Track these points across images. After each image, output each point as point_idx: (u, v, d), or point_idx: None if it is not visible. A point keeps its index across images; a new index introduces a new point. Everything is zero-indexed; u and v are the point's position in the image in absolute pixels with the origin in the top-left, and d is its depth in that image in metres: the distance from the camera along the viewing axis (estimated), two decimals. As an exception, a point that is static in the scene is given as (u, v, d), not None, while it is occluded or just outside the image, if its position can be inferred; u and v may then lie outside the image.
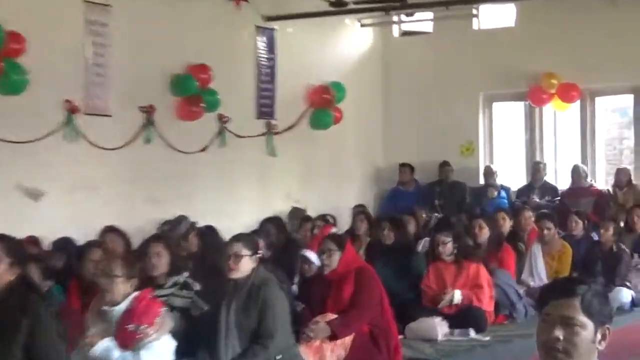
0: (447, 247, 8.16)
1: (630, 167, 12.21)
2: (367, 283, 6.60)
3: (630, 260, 9.57)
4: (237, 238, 6.14)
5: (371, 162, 13.47)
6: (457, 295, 7.93)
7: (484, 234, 9.12)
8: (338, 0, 9.55)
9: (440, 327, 7.65)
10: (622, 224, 10.23)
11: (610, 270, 9.39)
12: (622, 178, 11.80)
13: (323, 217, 10.29)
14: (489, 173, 12.60)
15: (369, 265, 7.15)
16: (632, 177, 11.83)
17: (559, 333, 2.85)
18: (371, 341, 6.50)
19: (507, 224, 10.00)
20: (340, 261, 6.66)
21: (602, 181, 12.90)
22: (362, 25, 13.07)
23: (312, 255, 7.35)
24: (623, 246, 9.62)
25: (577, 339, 2.85)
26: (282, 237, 9.26)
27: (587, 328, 2.86)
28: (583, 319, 2.86)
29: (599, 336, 2.89)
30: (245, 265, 5.89)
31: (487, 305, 8.08)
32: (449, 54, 13.07)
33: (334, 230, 9.49)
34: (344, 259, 6.68)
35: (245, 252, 5.90)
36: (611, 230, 9.59)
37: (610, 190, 11.92)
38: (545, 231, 9.62)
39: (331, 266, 6.68)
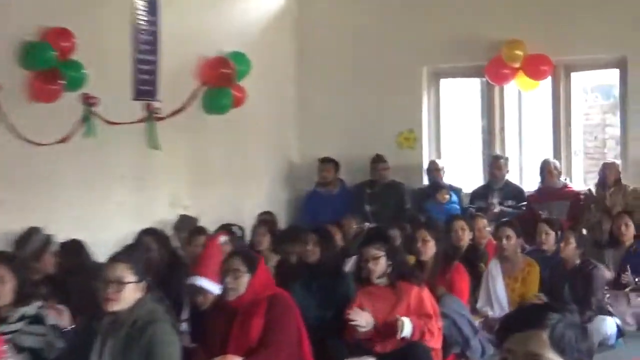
0: (379, 264, 7.98)
1: (614, 161, 12.48)
2: (283, 316, 6.57)
3: (604, 278, 9.76)
4: (119, 258, 6.02)
5: (283, 156, 13.58)
6: (407, 327, 7.69)
7: (430, 248, 9.09)
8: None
9: None
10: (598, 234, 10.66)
11: (580, 294, 9.50)
12: (608, 175, 11.96)
13: (226, 228, 9.90)
14: (435, 170, 12.77)
15: (285, 293, 7.05)
16: (624, 176, 12.07)
17: None
18: None
19: (466, 237, 10.19)
20: (249, 286, 6.58)
21: (580, 180, 13.19)
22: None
23: (207, 284, 7.30)
24: (593, 261, 9.79)
25: None
26: (164, 255, 9.14)
27: None
28: (553, 356, 2.93)
29: None
30: (129, 295, 5.78)
31: (433, 342, 7.91)
32: (384, 18, 13.22)
33: (223, 240, 8.86)
34: (254, 283, 6.59)
35: (130, 277, 5.80)
36: (573, 243, 9.67)
37: (593, 190, 12.13)
38: (505, 242, 9.71)
39: (238, 291, 6.59)
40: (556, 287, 9.62)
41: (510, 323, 3.04)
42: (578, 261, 9.62)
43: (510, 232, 9.79)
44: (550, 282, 9.74)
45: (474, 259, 10.00)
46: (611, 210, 11.45)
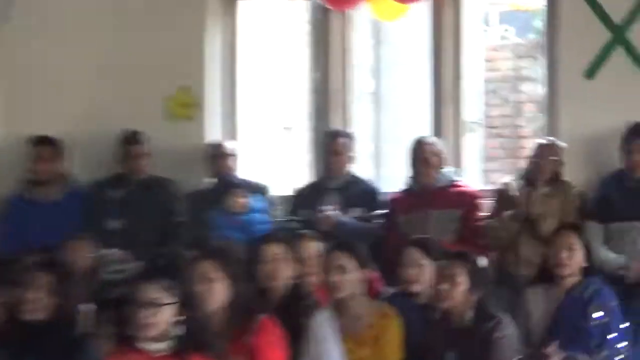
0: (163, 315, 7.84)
1: (553, 140, 12.21)
2: None
3: (514, 346, 9.40)
4: None
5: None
6: None
7: (218, 292, 8.68)
8: None
9: None
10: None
11: None
12: (542, 166, 11.69)
13: None
14: (221, 157, 12.43)
15: None
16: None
17: None
18: None
19: (282, 272, 9.73)
20: None
21: (478, 174, 13.74)
22: None
23: None
24: (499, 315, 9.45)
25: None
26: None
27: None
28: None
29: None
30: None
31: None
32: None
33: None
34: None
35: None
36: (463, 283, 9.35)
37: (510, 190, 11.76)
38: (336, 278, 9.24)
39: None
40: (432, 355, 9.44)
41: None
42: (471, 314, 9.41)
43: (349, 262, 9.32)
44: (424, 346, 9.49)
45: (294, 309, 9.51)
46: (541, 224, 11.21)
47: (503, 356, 9.27)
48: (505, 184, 12.00)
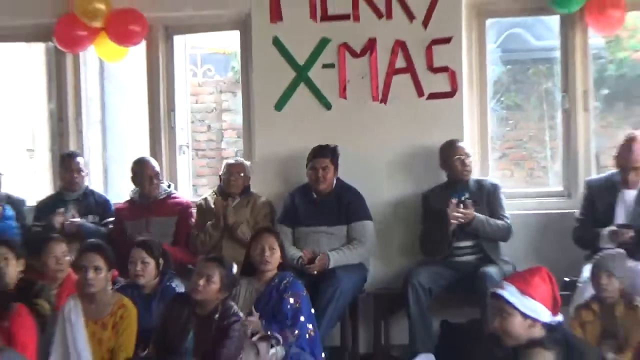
0: None
1: (241, 160, 12.80)
2: None
3: (243, 331, 9.82)
4: None
5: None
6: None
7: None
8: None
9: None
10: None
11: (207, 346, 9.58)
12: (233, 182, 12.31)
13: None
14: None
15: None
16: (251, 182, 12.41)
17: None
18: None
19: (11, 269, 10.26)
20: None
21: (188, 187, 13.83)
22: None
23: None
24: (233, 306, 9.84)
25: None
26: None
27: None
28: None
29: None
30: None
31: None
32: None
33: None
34: None
35: None
36: (216, 278, 9.71)
37: (210, 200, 12.38)
38: (90, 274, 9.65)
39: None
40: (173, 339, 9.76)
41: None
42: (217, 308, 9.81)
43: (98, 260, 9.79)
44: (168, 333, 9.81)
45: (34, 296, 10.20)
46: (236, 230, 11.96)
47: (234, 343, 9.68)
48: (205, 198, 12.52)
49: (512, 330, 7.59)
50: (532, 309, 7.61)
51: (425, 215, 12.19)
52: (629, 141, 11.48)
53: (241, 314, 9.96)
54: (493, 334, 7.83)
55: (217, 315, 9.85)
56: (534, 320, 7.59)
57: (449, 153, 11.79)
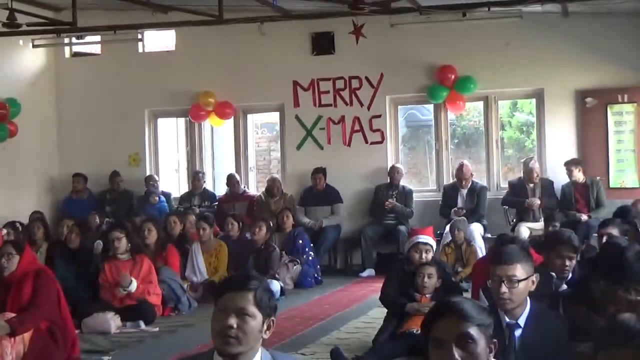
0: (122, 242, 8.07)
1: (278, 175, 12.57)
2: (45, 284, 6.38)
3: (279, 256, 9.92)
4: None
5: (46, 172, 13.10)
6: (134, 284, 7.94)
7: (153, 236, 9.02)
8: (11, 22, 9.30)
9: (113, 321, 7.67)
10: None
11: (262, 264, 9.60)
12: (272, 187, 12.00)
13: (12, 224, 9.76)
14: (151, 181, 12.41)
15: (47, 268, 6.94)
16: (283, 186, 12.16)
17: (233, 322, 2.94)
18: (49, 337, 6.31)
19: (177, 227, 10.08)
20: (19, 264, 6.44)
21: (254, 188, 13.12)
22: (35, 46, 12.64)
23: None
24: (273, 244, 9.92)
25: (247, 327, 2.95)
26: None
27: (256, 318, 2.98)
28: (254, 310, 2.97)
29: (265, 326, 3.02)
30: None
31: (155, 299, 8.15)
32: (117, 74, 12.95)
33: (5, 232, 9.22)
34: (22, 261, 6.44)
35: None
36: (264, 230, 9.83)
37: (262, 196, 12.07)
38: (202, 231, 9.62)
39: (10, 269, 6.44)
40: (243, 259, 9.66)
41: (226, 286, 3.08)
42: (263, 244, 9.80)
43: (204, 224, 9.72)
44: (239, 255, 9.71)
45: (183, 242, 9.91)
46: (276, 210, 11.52)
47: (275, 260, 9.69)
48: (260, 194, 11.98)
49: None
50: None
51: (374, 199, 11.85)
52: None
53: (277, 248, 9.92)
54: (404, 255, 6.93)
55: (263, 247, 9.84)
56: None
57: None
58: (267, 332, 3.04)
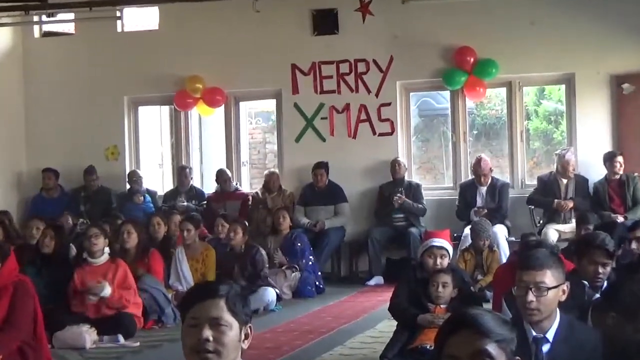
0: (100, 240, 8.09)
1: (275, 170, 12.51)
2: (23, 301, 6.15)
3: (265, 257, 9.86)
4: None
5: (13, 167, 13.10)
6: (107, 288, 7.89)
7: (133, 239, 8.99)
8: (-27, -2, 9.20)
9: (88, 335, 7.66)
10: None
11: (248, 271, 9.62)
12: (273, 180, 12.07)
13: None
14: (135, 177, 12.44)
15: (27, 279, 6.60)
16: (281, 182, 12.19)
17: (208, 334, 2.94)
18: (20, 357, 6.13)
19: (161, 230, 10.07)
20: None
21: (247, 185, 13.16)
22: (0, 25, 12.58)
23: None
24: (255, 244, 9.90)
25: (225, 338, 2.95)
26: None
27: (233, 327, 2.98)
28: (229, 318, 2.97)
29: (242, 335, 3.02)
30: None
31: (135, 309, 8.15)
32: (93, 56, 12.94)
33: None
34: (3, 270, 6.12)
35: None
36: (240, 233, 9.73)
37: (259, 193, 12.12)
38: (186, 233, 9.62)
39: None
40: (228, 265, 9.67)
41: (193, 295, 3.08)
42: (243, 247, 9.73)
43: (189, 226, 9.70)
44: (224, 261, 9.75)
45: (167, 246, 9.90)
46: (272, 208, 11.55)
47: (261, 264, 9.59)
48: (256, 192, 12.06)
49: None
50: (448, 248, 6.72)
51: (378, 198, 11.92)
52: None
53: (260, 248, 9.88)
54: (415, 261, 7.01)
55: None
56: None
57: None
58: (246, 341, 3.05)
